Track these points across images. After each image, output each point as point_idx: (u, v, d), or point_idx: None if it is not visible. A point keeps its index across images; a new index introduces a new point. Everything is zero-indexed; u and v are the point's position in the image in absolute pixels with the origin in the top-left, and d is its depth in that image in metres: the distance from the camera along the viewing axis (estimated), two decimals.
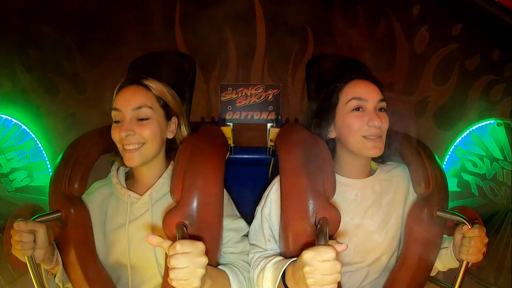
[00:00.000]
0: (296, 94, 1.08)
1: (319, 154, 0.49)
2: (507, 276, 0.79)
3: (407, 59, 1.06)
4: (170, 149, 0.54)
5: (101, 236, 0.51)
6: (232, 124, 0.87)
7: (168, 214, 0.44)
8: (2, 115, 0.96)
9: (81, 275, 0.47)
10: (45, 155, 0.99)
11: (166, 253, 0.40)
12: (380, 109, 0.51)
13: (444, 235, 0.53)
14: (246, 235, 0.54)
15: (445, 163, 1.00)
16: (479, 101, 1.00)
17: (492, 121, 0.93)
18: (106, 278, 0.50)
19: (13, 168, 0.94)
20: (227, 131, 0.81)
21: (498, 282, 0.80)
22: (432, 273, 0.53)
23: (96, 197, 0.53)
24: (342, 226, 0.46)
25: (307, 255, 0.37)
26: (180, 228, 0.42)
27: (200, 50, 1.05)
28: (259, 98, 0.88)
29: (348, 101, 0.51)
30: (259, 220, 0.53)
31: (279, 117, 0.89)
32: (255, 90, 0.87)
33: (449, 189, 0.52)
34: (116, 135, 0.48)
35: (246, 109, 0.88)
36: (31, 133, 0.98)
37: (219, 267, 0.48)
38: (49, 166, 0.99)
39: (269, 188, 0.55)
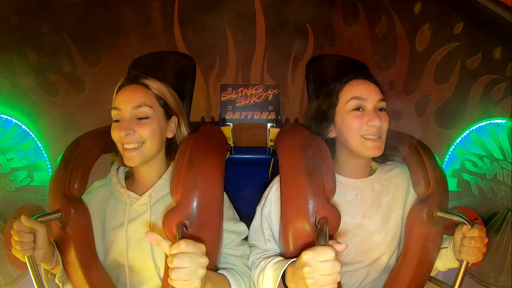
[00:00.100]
0: (296, 94, 1.08)
1: (319, 154, 0.49)
2: (507, 276, 0.79)
3: (408, 58, 1.06)
4: (170, 149, 0.54)
5: (100, 235, 0.51)
6: (232, 124, 0.87)
7: (168, 214, 0.45)
8: (2, 115, 0.95)
9: (81, 275, 0.47)
10: (45, 155, 0.99)
11: (166, 254, 0.40)
12: (380, 109, 0.51)
13: (444, 235, 0.53)
14: (246, 239, 0.54)
15: (445, 163, 1.00)
16: (480, 100, 1.00)
17: (492, 121, 0.93)
18: (106, 278, 0.50)
19: (13, 168, 0.94)
20: (227, 131, 0.81)
21: (498, 282, 0.81)
22: (432, 273, 0.53)
23: (96, 197, 0.53)
24: (342, 226, 0.46)
25: (307, 255, 0.37)
26: (180, 228, 0.42)
27: (199, 50, 1.05)
28: (259, 98, 0.87)
29: (348, 101, 0.51)
30: (259, 220, 0.53)
31: (279, 117, 0.89)
32: (255, 90, 0.87)
33: (449, 189, 0.52)
34: (115, 134, 0.48)
35: (246, 109, 0.87)
36: (31, 133, 0.98)
37: (220, 271, 0.48)
38: (49, 166, 0.99)
39: (269, 188, 0.55)
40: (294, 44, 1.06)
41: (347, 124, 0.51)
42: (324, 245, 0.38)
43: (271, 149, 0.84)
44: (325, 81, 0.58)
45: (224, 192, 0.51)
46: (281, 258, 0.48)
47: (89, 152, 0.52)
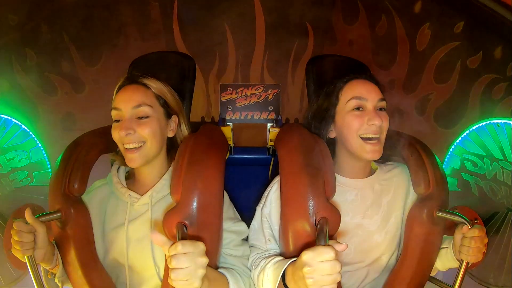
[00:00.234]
0: (296, 93, 1.08)
1: (319, 154, 0.49)
2: (507, 276, 0.79)
3: (408, 57, 1.05)
4: (171, 149, 0.54)
5: (100, 235, 0.51)
6: (232, 124, 0.87)
7: (168, 214, 0.45)
8: (2, 115, 0.95)
9: (81, 275, 0.47)
10: (45, 155, 0.99)
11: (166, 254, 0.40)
12: (380, 109, 0.51)
13: (444, 235, 0.53)
14: (246, 239, 0.54)
15: (445, 163, 1.00)
16: (480, 100, 1.00)
17: (492, 121, 0.93)
18: (106, 278, 0.50)
19: (13, 168, 0.93)
20: (227, 131, 0.81)
21: (498, 282, 0.81)
22: (432, 273, 0.53)
23: (96, 196, 0.53)
24: (342, 226, 0.46)
25: (307, 255, 0.37)
26: (180, 228, 0.42)
27: (199, 50, 1.04)
28: (259, 98, 0.87)
29: (348, 100, 0.51)
30: (259, 219, 0.53)
31: (279, 117, 0.89)
32: (255, 90, 0.87)
33: (449, 189, 0.52)
34: (116, 134, 0.48)
35: (246, 109, 0.87)
36: (31, 133, 0.98)
37: (219, 270, 0.48)
38: (49, 166, 0.99)
39: (269, 188, 0.55)
40: (294, 43, 1.06)
41: (347, 123, 0.51)
42: (324, 245, 0.38)
43: (271, 149, 0.84)
44: (325, 81, 0.58)
45: (225, 191, 0.51)
46: (281, 257, 0.48)
47: (89, 152, 0.52)
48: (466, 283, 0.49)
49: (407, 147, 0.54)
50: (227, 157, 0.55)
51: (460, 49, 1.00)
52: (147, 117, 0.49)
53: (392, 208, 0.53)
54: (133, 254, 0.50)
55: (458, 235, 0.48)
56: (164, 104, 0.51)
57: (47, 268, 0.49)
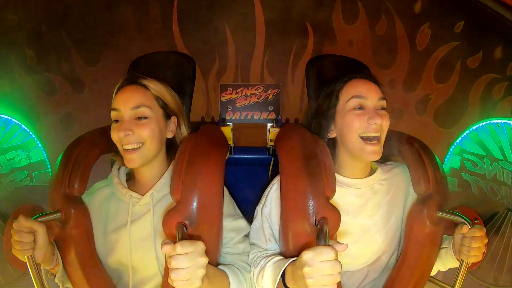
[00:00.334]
0: (296, 93, 1.08)
1: (319, 154, 0.49)
2: (507, 276, 0.79)
3: (408, 57, 1.05)
4: (171, 149, 0.54)
5: (101, 236, 0.52)
6: (232, 124, 0.87)
7: (168, 214, 0.45)
8: (2, 115, 0.95)
9: (81, 275, 0.47)
10: (45, 155, 0.99)
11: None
12: (381, 108, 0.51)
13: (444, 235, 0.53)
14: (247, 235, 0.54)
15: (445, 163, 1.00)
16: (480, 99, 1.00)
17: (492, 121, 0.93)
18: (106, 278, 0.50)
19: (13, 168, 0.94)
20: (227, 131, 0.81)
21: (498, 282, 0.81)
22: (432, 273, 0.54)
23: (97, 198, 0.53)
24: (342, 226, 0.46)
25: (307, 255, 0.37)
26: (180, 228, 0.42)
27: (199, 50, 1.04)
28: (259, 98, 0.87)
29: (348, 100, 0.51)
30: (260, 219, 0.53)
31: (279, 117, 0.89)
32: (255, 90, 0.87)
33: (449, 189, 0.53)
34: (115, 135, 0.48)
35: (246, 109, 0.87)
36: (31, 133, 0.98)
37: (219, 267, 0.48)
38: (49, 166, 0.99)
39: (269, 188, 0.55)
40: (294, 43, 1.06)
41: (347, 122, 0.50)
42: (324, 245, 0.38)
43: (271, 149, 0.84)
44: (325, 81, 0.58)
45: (225, 187, 0.50)
46: (281, 257, 0.48)
47: (89, 152, 0.52)
48: (466, 283, 0.49)
49: (407, 147, 0.54)
50: (227, 157, 0.55)
51: (460, 49, 1.00)
52: (146, 118, 0.49)
53: (392, 208, 0.53)
54: (136, 254, 0.50)
55: (458, 235, 0.48)
56: (164, 105, 0.51)
57: (47, 268, 0.49)
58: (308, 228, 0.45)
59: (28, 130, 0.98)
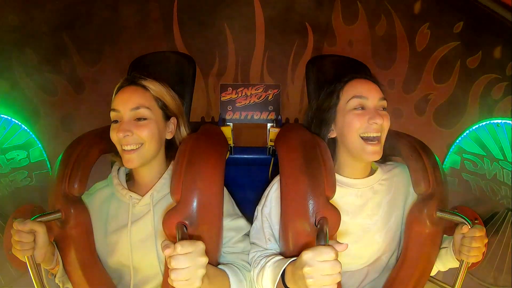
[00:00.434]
0: (296, 93, 1.08)
1: (319, 154, 0.49)
2: (507, 276, 0.79)
3: (408, 57, 1.06)
4: (170, 149, 0.54)
5: (102, 237, 0.52)
6: (232, 124, 0.87)
7: (168, 214, 0.45)
8: (2, 115, 0.95)
9: (81, 275, 0.47)
10: (45, 155, 0.99)
11: None
12: (381, 109, 0.51)
13: (444, 235, 0.53)
14: (247, 235, 0.54)
15: (445, 163, 1.00)
16: (480, 99, 1.00)
17: (492, 121, 0.93)
18: (106, 278, 0.50)
19: (13, 168, 0.93)
20: (227, 131, 0.81)
21: (498, 282, 0.80)
22: (432, 273, 0.53)
23: (97, 198, 0.53)
24: (342, 226, 0.46)
25: (307, 255, 0.37)
26: (180, 228, 0.42)
27: (199, 50, 1.05)
28: (259, 98, 0.87)
29: (349, 99, 0.51)
30: (260, 219, 0.54)
31: (279, 117, 0.89)
32: (255, 90, 0.87)
33: (449, 189, 0.52)
34: (114, 135, 0.48)
35: (246, 109, 0.87)
36: (31, 133, 0.98)
37: (219, 266, 0.48)
38: (49, 166, 0.99)
39: (269, 188, 0.55)
40: (294, 43, 1.06)
41: (348, 123, 0.50)
42: (324, 245, 0.38)
43: (271, 149, 0.84)
44: (325, 81, 0.58)
45: (224, 187, 0.51)
46: (281, 257, 0.48)
47: (89, 152, 0.52)
48: (466, 283, 0.49)
49: (407, 147, 0.54)
50: (227, 157, 0.55)
51: (459, 49, 1.00)
52: (145, 119, 0.49)
53: (392, 208, 0.53)
54: (137, 255, 0.50)
55: (458, 235, 0.48)
56: (163, 106, 0.51)
57: (47, 268, 0.49)
58: (308, 228, 0.45)
59: (28, 130, 0.98)
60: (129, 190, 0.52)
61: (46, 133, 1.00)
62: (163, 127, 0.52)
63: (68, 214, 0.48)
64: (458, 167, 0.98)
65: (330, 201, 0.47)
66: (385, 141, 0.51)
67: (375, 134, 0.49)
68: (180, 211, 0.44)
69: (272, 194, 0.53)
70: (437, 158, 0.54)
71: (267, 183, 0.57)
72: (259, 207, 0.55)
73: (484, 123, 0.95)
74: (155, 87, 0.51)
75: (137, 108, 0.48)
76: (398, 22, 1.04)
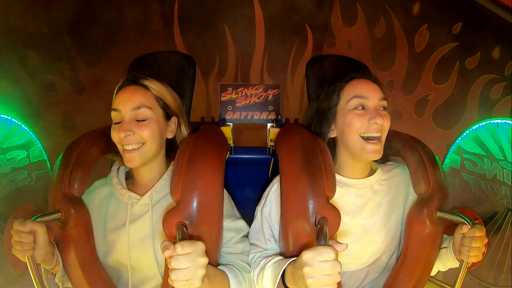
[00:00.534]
0: (295, 94, 1.08)
1: (319, 154, 0.49)
2: (507, 276, 0.79)
3: (407, 58, 1.06)
4: (170, 149, 0.54)
5: (101, 235, 0.51)
6: (232, 124, 0.87)
7: (168, 214, 0.45)
8: (2, 115, 0.96)
9: (81, 275, 0.47)
10: (45, 155, 0.99)
11: None
12: (382, 108, 0.51)
13: (444, 235, 0.53)
14: (246, 236, 0.54)
15: (445, 163, 1.00)
16: (479, 100, 1.01)
17: (492, 121, 0.93)
18: (106, 278, 0.50)
19: (13, 168, 0.93)
20: (227, 131, 0.81)
21: (498, 282, 0.80)
22: (432, 273, 0.53)
23: (97, 197, 0.53)
24: (342, 226, 0.46)
25: (307, 255, 0.37)
26: (180, 228, 0.42)
27: (199, 51, 1.05)
28: (259, 98, 0.88)
29: (350, 99, 0.51)
30: (260, 220, 0.53)
31: (279, 117, 0.89)
32: (255, 90, 0.87)
33: (449, 189, 0.52)
34: (115, 135, 0.49)
35: (246, 109, 0.88)
36: (31, 133, 0.98)
37: (219, 267, 0.48)
38: (49, 166, 0.99)
39: (269, 188, 0.55)
40: (294, 44, 1.07)
41: (348, 122, 0.51)
42: (324, 245, 0.38)
43: (271, 149, 0.84)
44: (325, 81, 0.58)
45: (224, 189, 0.51)
46: (281, 257, 0.48)
47: (89, 152, 0.52)
48: (466, 283, 0.48)
49: (407, 147, 0.54)
50: (227, 157, 0.56)
51: (458, 50, 1.01)
52: (146, 119, 0.49)
53: (392, 208, 0.53)
54: (135, 254, 0.50)
55: (458, 235, 0.48)
56: (164, 106, 0.52)
57: (47, 268, 0.48)
58: (308, 228, 0.45)
59: (28, 130, 0.98)
60: (129, 189, 0.52)
61: (46, 133, 1.01)
62: (164, 127, 0.52)
63: (68, 214, 0.48)
64: (458, 167, 0.98)
65: (330, 201, 0.47)
66: (385, 141, 0.51)
67: (375, 134, 0.49)
68: (180, 211, 0.44)
69: (272, 194, 0.53)
70: (437, 158, 0.54)
71: (267, 183, 0.57)
72: (258, 207, 0.55)
73: (484, 123, 0.94)
74: (156, 86, 0.51)
75: (138, 107, 0.48)
76: (397, 23, 1.05)
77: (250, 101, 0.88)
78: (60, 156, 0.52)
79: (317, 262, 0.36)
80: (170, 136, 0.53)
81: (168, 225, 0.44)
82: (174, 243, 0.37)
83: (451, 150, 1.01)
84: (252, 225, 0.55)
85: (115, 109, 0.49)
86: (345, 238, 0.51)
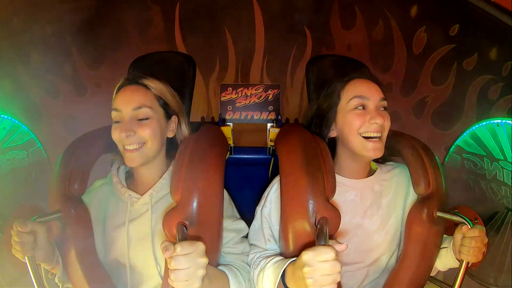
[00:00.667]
0: (295, 94, 1.09)
1: (319, 154, 0.49)
2: (507, 276, 0.78)
3: (405, 60, 1.07)
4: (171, 148, 0.54)
5: (100, 235, 0.51)
6: (232, 124, 0.87)
7: (168, 214, 0.45)
8: (2, 115, 0.96)
9: (81, 275, 0.47)
10: (45, 155, 0.99)
11: None
12: (382, 108, 0.51)
13: (444, 235, 0.53)
14: (246, 236, 0.54)
15: (445, 163, 1.00)
16: (477, 100, 1.01)
17: (492, 121, 0.93)
18: (106, 278, 0.50)
19: (13, 168, 0.93)
20: (227, 131, 0.81)
21: (498, 282, 0.80)
22: (432, 273, 0.53)
23: (97, 196, 0.53)
24: (342, 226, 0.46)
25: (307, 255, 0.37)
26: (180, 228, 0.42)
27: (200, 54, 1.06)
28: (259, 98, 0.88)
29: (350, 99, 0.51)
30: (259, 220, 0.53)
31: (279, 117, 0.89)
32: (255, 90, 0.88)
33: (449, 189, 0.52)
34: (116, 135, 0.49)
35: (246, 109, 0.88)
36: (31, 133, 0.99)
37: (219, 267, 0.48)
38: (49, 165, 0.99)
39: (269, 188, 0.55)
40: (293, 47, 1.08)
41: (348, 122, 0.51)
42: (324, 245, 0.38)
43: (271, 149, 0.84)
44: (325, 81, 0.58)
45: (224, 190, 0.51)
46: (281, 257, 0.48)
47: (89, 152, 0.52)
48: (466, 283, 0.48)
49: (407, 147, 0.54)
50: (227, 157, 0.56)
51: (455, 51, 1.02)
52: (147, 118, 0.49)
53: (392, 208, 0.53)
54: (134, 254, 0.50)
55: (458, 235, 0.48)
56: (164, 105, 0.52)
57: (48, 268, 0.48)
58: (308, 228, 0.45)
59: (28, 130, 0.98)
60: (129, 188, 0.52)
61: (46, 133, 1.01)
62: (164, 126, 0.52)
63: (68, 214, 0.48)
64: (458, 167, 0.98)
65: (330, 201, 0.47)
66: (385, 141, 0.51)
67: (375, 134, 0.50)
68: (180, 211, 0.44)
69: (272, 195, 0.53)
70: (437, 158, 0.54)
71: (267, 183, 0.57)
72: (258, 208, 0.55)
73: (484, 123, 0.94)
74: (156, 85, 0.51)
75: (139, 107, 0.49)
76: (395, 26, 1.06)
77: (250, 101, 0.89)
78: (60, 156, 0.52)
79: (317, 262, 0.36)
80: (170, 135, 0.53)
81: (168, 225, 0.44)
82: (174, 243, 0.37)
83: (451, 150, 1.01)
84: (252, 225, 0.55)
85: (115, 109, 0.49)
86: (345, 238, 0.51)
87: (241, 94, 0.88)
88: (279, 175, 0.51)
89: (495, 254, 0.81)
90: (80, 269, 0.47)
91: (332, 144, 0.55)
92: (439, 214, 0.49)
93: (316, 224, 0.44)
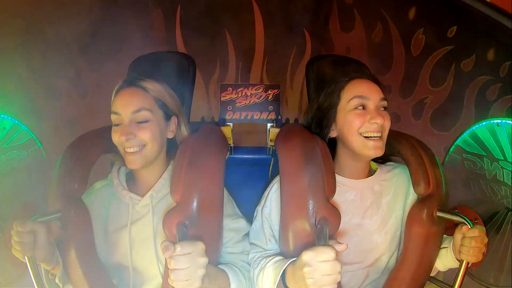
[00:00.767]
0: (295, 94, 1.10)
1: (319, 154, 0.49)
2: (507, 276, 0.78)
3: (404, 62, 1.08)
4: (171, 149, 0.55)
5: (102, 237, 0.51)
6: (232, 124, 0.88)
7: (168, 214, 0.45)
8: (2, 115, 0.96)
9: (81, 275, 0.47)
10: (45, 155, 0.99)
11: None
12: (382, 108, 0.51)
13: (444, 235, 0.53)
14: (247, 235, 0.54)
15: (445, 163, 1.00)
16: (475, 101, 1.02)
17: (492, 121, 0.93)
18: (106, 278, 0.50)
19: (13, 168, 0.93)
20: (227, 131, 0.81)
21: (498, 282, 0.80)
22: (432, 273, 0.53)
23: (97, 198, 0.53)
24: (342, 226, 0.47)
25: (307, 255, 0.37)
26: (180, 228, 0.42)
27: (201, 56, 1.07)
28: (259, 98, 0.88)
29: (350, 99, 0.51)
30: (260, 220, 0.53)
31: (279, 117, 0.90)
32: (255, 90, 0.88)
33: (449, 189, 0.52)
34: (116, 138, 0.49)
35: (246, 109, 0.88)
36: (31, 133, 0.99)
37: (219, 266, 0.48)
38: (49, 166, 0.99)
39: (269, 188, 0.55)
40: (293, 49, 1.09)
41: (348, 122, 0.51)
42: (324, 245, 0.38)
43: (271, 149, 0.84)
44: (325, 81, 0.58)
45: (224, 188, 0.51)
46: (281, 257, 0.48)
47: (89, 152, 0.52)
48: (466, 283, 0.48)
49: (407, 147, 0.54)
50: (227, 157, 0.56)
51: (453, 53, 1.03)
52: (146, 121, 0.49)
53: (392, 208, 0.54)
54: (136, 255, 0.50)
55: (458, 235, 0.48)
56: (163, 106, 0.52)
57: (48, 268, 0.48)
58: (308, 228, 0.45)
59: (28, 130, 0.98)
60: (130, 190, 0.52)
61: (46, 133, 1.01)
62: (164, 127, 0.52)
63: (68, 214, 0.48)
64: (458, 167, 0.98)
65: (330, 201, 0.47)
66: (385, 141, 0.51)
67: (376, 134, 0.50)
68: (180, 211, 0.44)
69: (272, 195, 0.53)
70: (437, 158, 0.54)
71: (267, 183, 0.57)
72: (259, 208, 0.54)
73: (484, 123, 0.94)
74: (154, 87, 0.51)
75: (138, 111, 0.49)
76: (394, 28, 1.08)
77: (250, 101, 0.89)
78: (61, 156, 0.52)
79: (317, 262, 0.36)
80: (170, 136, 0.54)
81: (168, 225, 0.44)
82: (174, 243, 0.37)
83: (451, 150, 1.01)
84: (252, 225, 0.54)
85: (114, 112, 0.49)
86: (344, 238, 0.51)
87: (241, 94, 0.88)
88: (279, 175, 0.51)
89: (495, 254, 0.81)
90: (80, 269, 0.47)
91: (332, 144, 0.55)
92: (439, 214, 0.49)
93: (316, 224, 0.44)
